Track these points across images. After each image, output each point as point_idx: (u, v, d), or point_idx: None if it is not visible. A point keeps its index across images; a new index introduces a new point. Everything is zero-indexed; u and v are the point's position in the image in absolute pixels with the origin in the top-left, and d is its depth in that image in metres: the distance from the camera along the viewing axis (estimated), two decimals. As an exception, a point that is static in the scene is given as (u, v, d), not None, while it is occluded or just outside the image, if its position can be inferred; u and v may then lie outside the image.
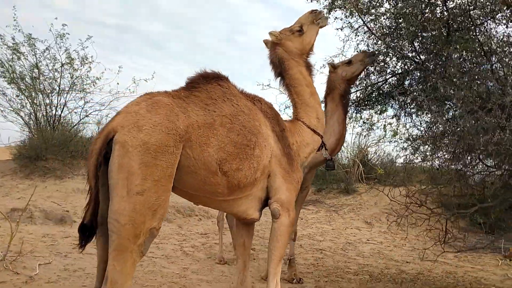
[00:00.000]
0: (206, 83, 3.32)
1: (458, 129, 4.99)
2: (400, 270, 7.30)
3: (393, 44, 6.18)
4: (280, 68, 3.98)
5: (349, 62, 5.77)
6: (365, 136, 15.33)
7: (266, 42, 4.14)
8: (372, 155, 17.17)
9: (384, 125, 7.82)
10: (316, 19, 4.06)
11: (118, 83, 12.43)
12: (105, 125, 2.77)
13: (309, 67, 4.06)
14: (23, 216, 7.36)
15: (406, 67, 6.29)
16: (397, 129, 9.33)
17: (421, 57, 6.07)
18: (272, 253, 3.48)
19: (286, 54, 3.96)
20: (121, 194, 2.53)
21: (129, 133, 2.61)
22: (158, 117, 2.74)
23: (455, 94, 4.76)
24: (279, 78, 4.05)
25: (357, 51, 6.43)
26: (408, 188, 8.55)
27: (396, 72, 6.38)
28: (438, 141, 5.81)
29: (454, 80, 5.41)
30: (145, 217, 2.59)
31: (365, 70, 6.09)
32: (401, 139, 8.77)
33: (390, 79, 6.56)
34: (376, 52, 6.06)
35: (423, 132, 6.68)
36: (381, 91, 6.61)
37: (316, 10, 4.14)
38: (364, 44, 6.41)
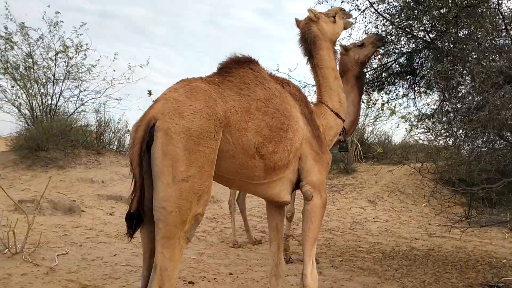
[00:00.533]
0: (238, 68, 3.31)
1: (473, 105, 5.01)
2: (411, 247, 7.39)
3: (402, 24, 6.16)
4: (311, 46, 4.00)
5: (361, 45, 5.76)
6: (364, 116, 15.43)
7: (298, 20, 4.16)
8: (369, 134, 17.30)
9: (382, 103, 7.85)
10: (345, 17, 4.24)
11: (114, 70, 12.28)
12: (144, 113, 2.71)
13: (335, 53, 4.14)
14: (31, 208, 7.32)
15: (415, 46, 6.27)
16: (394, 107, 9.37)
17: (430, 35, 6.05)
18: (307, 235, 3.49)
19: (320, 33, 4.01)
20: (167, 181, 2.50)
21: (171, 120, 2.58)
22: (198, 103, 2.72)
23: (473, 68, 4.74)
24: (307, 57, 4.08)
25: (366, 34, 6.39)
26: (434, 164, 8.53)
27: (406, 51, 6.36)
28: (453, 119, 5.86)
29: (469, 56, 5.42)
30: (191, 203, 2.58)
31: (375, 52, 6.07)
32: (408, 119, 8.83)
33: (399, 59, 6.54)
34: (385, 36, 6.06)
35: (434, 111, 6.73)
36: (390, 72, 6.60)
37: (344, 9, 4.37)
38: (373, 26, 6.36)
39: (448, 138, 6.02)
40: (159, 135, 2.54)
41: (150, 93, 13.41)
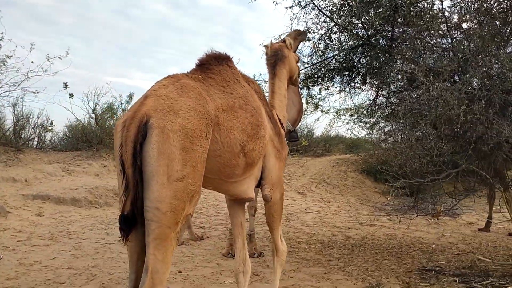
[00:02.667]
0: (218, 65, 3.29)
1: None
2: (346, 236, 7.70)
3: (341, 22, 6.37)
4: (278, 61, 4.39)
5: (283, 42, 5.88)
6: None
7: (272, 43, 4.54)
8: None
9: (317, 101, 8.11)
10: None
11: (32, 62, 11.42)
12: (133, 110, 2.55)
13: (288, 83, 4.61)
14: None
15: (353, 43, 6.52)
16: (317, 102, 9.68)
17: (368, 33, 6.32)
18: (273, 225, 3.78)
19: (288, 59, 4.48)
20: (162, 181, 2.39)
21: (166, 117, 2.48)
22: (190, 101, 2.65)
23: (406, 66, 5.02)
24: (270, 68, 4.42)
25: (306, 29, 6.54)
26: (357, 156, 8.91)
27: (343, 48, 6.59)
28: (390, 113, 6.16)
29: (403, 54, 5.71)
30: (184, 204, 2.50)
31: (314, 47, 6.23)
32: (340, 114, 9.16)
33: (337, 56, 6.76)
34: (307, 31, 6.25)
35: (369, 106, 7.04)
36: (329, 68, 6.81)
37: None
38: (313, 22, 6.52)
39: (381, 132, 6.36)
40: (154, 133, 2.42)
41: (66, 85, 12.81)
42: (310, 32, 6.40)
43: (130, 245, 2.64)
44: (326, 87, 7.09)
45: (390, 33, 6.13)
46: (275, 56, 4.35)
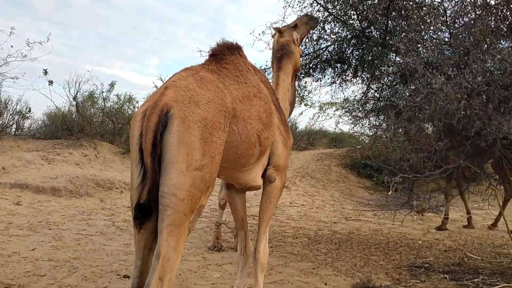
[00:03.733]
0: (231, 54, 3.33)
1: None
2: (332, 230, 7.63)
3: (335, 12, 6.24)
4: (284, 55, 4.54)
5: (295, 26, 5.70)
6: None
7: (279, 30, 4.81)
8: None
9: (302, 95, 7.98)
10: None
11: (12, 46, 11.06)
12: (153, 100, 2.55)
13: (293, 78, 4.80)
14: None
15: (347, 35, 6.40)
16: (303, 96, 9.57)
17: (362, 25, 6.21)
18: (265, 214, 3.68)
19: (293, 53, 4.64)
20: (181, 169, 2.41)
21: (187, 108, 2.52)
22: (209, 94, 2.70)
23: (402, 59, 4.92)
24: (275, 61, 4.57)
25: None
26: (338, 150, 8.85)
27: (337, 39, 6.46)
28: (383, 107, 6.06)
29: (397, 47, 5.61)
30: (201, 193, 2.52)
31: (307, 37, 6.09)
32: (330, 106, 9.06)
33: (330, 48, 6.64)
34: (319, 18, 6.08)
35: (361, 99, 6.95)
36: (321, 59, 6.68)
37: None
38: (307, 12, 6.36)
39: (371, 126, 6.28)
40: (175, 122, 2.45)
41: (45, 72, 12.49)
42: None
43: (141, 231, 2.58)
44: (317, 79, 6.96)
45: (384, 25, 6.01)
46: (282, 51, 4.49)
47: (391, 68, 6.20)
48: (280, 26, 5.90)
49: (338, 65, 6.70)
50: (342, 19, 6.29)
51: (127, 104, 14.78)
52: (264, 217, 3.68)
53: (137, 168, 2.44)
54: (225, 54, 3.28)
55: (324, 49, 6.62)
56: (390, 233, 7.60)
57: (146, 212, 2.44)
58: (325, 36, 6.52)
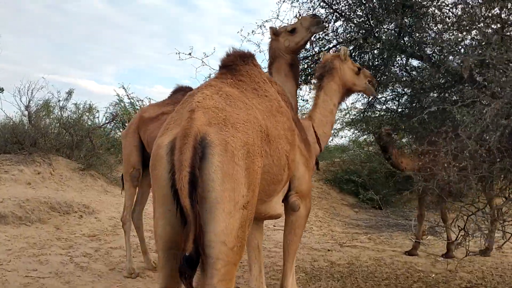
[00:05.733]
0: (245, 64, 2.94)
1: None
2: (329, 261, 6.66)
3: (339, 8, 5.32)
4: (326, 73, 4.25)
5: (292, 31, 4.70)
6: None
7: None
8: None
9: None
10: (371, 81, 4.53)
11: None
12: (181, 128, 2.05)
13: (343, 98, 4.49)
14: None
15: (352, 35, 5.48)
16: None
17: (371, 23, 5.29)
18: (290, 247, 3.36)
19: (339, 70, 4.28)
20: (228, 210, 2.02)
21: (225, 132, 2.08)
22: (242, 113, 2.30)
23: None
24: (316, 79, 4.38)
25: (296, 18, 5.42)
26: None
27: (340, 40, 5.53)
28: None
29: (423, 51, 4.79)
30: (245, 236, 2.15)
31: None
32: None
33: (331, 50, 5.70)
34: (323, 19, 5.12)
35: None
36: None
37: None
38: (308, 8, 5.43)
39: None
40: (216, 151, 2.03)
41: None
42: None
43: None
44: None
45: (399, 23, 5.10)
46: (323, 68, 4.24)
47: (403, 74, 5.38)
48: (277, 27, 4.95)
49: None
50: (347, 17, 5.36)
51: (87, 114, 13.53)
52: (289, 251, 3.37)
53: (168, 213, 2.04)
54: (239, 65, 2.88)
55: (326, 50, 5.66)
56: (394, 263, 6.67)
57: (194, 264, 1.98)
58: (327, 37, 5.56)
